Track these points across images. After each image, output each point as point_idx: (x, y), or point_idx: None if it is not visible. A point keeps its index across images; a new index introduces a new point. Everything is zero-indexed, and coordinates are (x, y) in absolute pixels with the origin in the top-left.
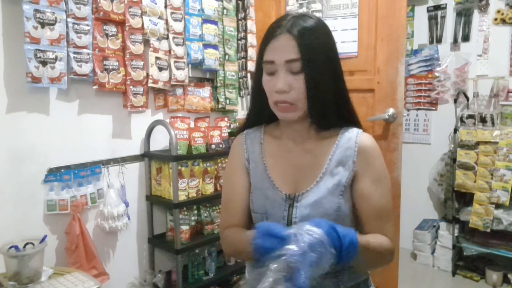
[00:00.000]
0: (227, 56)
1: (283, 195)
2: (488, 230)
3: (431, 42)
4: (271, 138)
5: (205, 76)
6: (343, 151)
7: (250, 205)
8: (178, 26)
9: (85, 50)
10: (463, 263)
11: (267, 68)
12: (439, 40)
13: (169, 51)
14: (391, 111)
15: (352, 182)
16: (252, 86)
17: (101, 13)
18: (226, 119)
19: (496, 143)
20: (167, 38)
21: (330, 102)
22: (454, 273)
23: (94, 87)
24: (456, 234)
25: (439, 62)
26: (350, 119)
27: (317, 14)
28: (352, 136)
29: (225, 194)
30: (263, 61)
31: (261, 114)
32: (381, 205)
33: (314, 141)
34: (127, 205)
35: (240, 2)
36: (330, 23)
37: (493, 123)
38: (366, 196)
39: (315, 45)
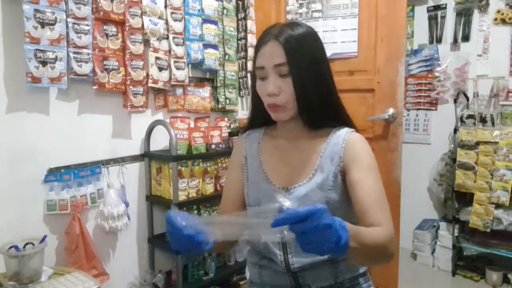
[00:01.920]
0: (227, 56)
1: (276, 188)
2: (488, 230)
3: (431, 42)
4: (269, 138)
5: (205, 76)
6: (332, 148)
7: (246, 199)
8: (178, 26)
9: (85, 50)
10: (463, 263)
11: (259, 73)
12: (439, 40)
13: (169, 51)
14: (391, 111)
15: (343, 176)
16: (251, 92)
17: (101, 13)
18: (226, 119)
19: (496, 143)
20: (167, 38)
21: (317, 102)
22: (454, 273)
23: (94, 87)
24: (456, 234)
25: (439, 62)
26: (342, 120)
27: (317, 14)
28: (342, 134)
29: (224, 186)
30: (255, 67)
31: (261, 117)
32: (376, 190)
33: (307, 140)
34: (127, 205)
35: (240, 2)
36: (330, 23)
37: (493, 123)
38: (359, 182)
39: (301, 49)
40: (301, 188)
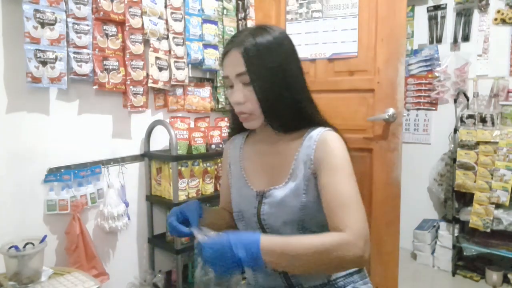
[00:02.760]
0: None
1: (254, 192)
2: (488, 230)
3: (431, 42)
4: (251, 142)
5: (205, 76)
6: (305, 150)
7: (232, 204)
8: (178, 26)
9: (85, 50)
10: (463, 263)
11: (226, 82)
12: (439, 40)
13: (169, 51)
14: (391, 111)
15: (315, 179)
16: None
17: (101, 13)
18: (226, 119)
19: (496, 143)
20: (167, 38)
21: (284, 108)
22: (454, 273)
23: (94, 87)
24: (456, 234)
25: (439, 62)
26: (316, 121)
27: (317, 14)
28: (314, 135)
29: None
30: (222, 76)
31: (239, 123)
32: (341, 191)
33: (284, 143)
34: (127, 205)
35: (240, 2)
36: (330, 23)
37: (493, 123)
38: (325, 186)
39: (261, 57)
40: (276, 191)
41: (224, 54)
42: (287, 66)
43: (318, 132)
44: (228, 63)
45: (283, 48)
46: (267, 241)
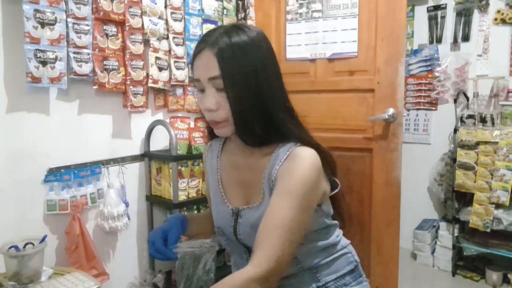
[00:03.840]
0: None
1: (230, 210)
2: (488, 230)
3: (431, 42)
4: (227, 151)
5: None
6: (269, 170)
7: (213, 218)
8: (178, 26)
9: (85, 50)
10: (463, 263)
11: (197, 85)
12: (439, 40)
13: (169, 51)
14: (391, 111)
15: None
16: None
17: (101, 13)
18: None
19: (496, 143)
20: (167, 38)
21: (256, 120)
22: (454, 273)
23: (94, 87)
24: (456, 234)
25: (439, 62)
26: (292, 134)
27: (317, 14)
28: (281, 153)
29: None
30: (193, 78)
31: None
32: (275, 218)
33: (256, 158)
34: (127, 205)
35: (240, 2)
36: (330, 23)
37: (493, 123)
38: (269, 204)
39: (237, 61)
40: (250, 212)
41: (196, 54)
42: (264, 70)
43: (286, 150)
44: (199, 64)
45: (261, 49)
46: None
